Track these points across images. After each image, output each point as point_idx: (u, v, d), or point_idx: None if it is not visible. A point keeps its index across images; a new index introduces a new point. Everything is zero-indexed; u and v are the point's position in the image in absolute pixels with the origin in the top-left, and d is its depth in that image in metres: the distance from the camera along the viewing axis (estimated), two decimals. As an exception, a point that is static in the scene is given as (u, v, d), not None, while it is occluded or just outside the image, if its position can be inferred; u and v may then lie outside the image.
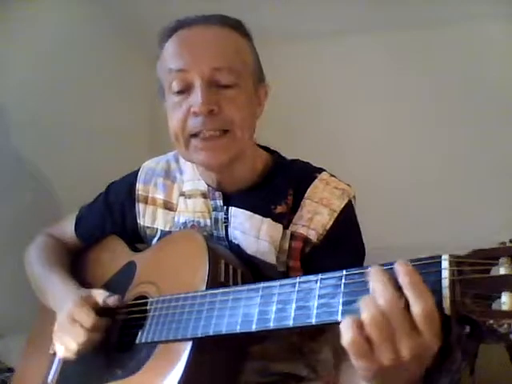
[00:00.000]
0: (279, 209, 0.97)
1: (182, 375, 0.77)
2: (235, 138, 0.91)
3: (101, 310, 0.92)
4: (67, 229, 1.18)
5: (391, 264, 0.61)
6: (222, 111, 0.89)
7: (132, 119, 2.41)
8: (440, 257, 0.57)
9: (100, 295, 0.93)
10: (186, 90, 0.90)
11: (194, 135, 0.91)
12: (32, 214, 1.66)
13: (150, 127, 2.47)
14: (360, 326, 0.57)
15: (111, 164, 1.60)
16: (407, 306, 0.56)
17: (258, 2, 2.06)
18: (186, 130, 0.91)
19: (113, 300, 0.92)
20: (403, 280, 0.57)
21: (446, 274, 0.55)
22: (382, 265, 0.62)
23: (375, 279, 0.59)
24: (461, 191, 2.22)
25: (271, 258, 0.95)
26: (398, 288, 0.57)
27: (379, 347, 0.57)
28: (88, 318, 0.89)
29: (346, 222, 0.97)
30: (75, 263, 1.15)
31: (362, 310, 0.58)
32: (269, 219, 0.96)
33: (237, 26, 0.95)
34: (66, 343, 0.90)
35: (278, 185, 0.99)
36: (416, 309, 0.55)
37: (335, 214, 0.95)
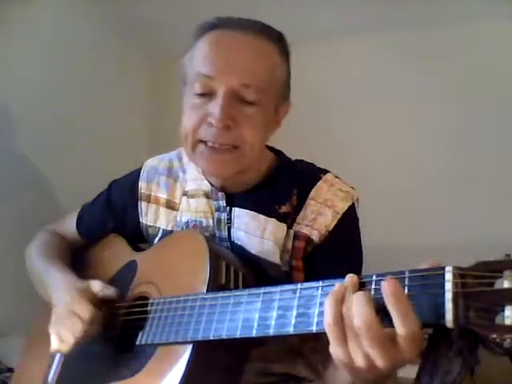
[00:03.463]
0: (283, 208, 0.96)
1: (182, 377, 0.77)
2: (243, 156, 0.90)
3: (99, 303, 0.91)
4: (69, 226, 1.18)
5: (392, 274, 0.60)
6: (238, 128, 0.88)
7: (132, 119, 2.41)
8: (443, 268, 0.56)
9: (97, 286, 0.93)
10: (207, 95, 0.88)
11: (203, 141, 0.90)
12: (32, 214, 1.66)
13: (150, 127, 2.47)
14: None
15: (111, 164, 1.60)
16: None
17: (262, 4, 2.04)
18: (196, 134, 0.90)
19: (111, 291, 0.93)
20: (388, 299, 0.57)
21: (449, 286, 0.54)
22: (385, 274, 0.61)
23: (356, 299, 0.59)
24: (463, 192, 2.22)
25: (275, 258, 0.94)
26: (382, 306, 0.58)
27: (350, 346, 0.59)
28: (86, 310, 0.88)
29: (349, 225, 0.97)
30: (77, 261, 1.14)
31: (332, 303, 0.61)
32: (273, 219, 0.95)
33: (276, 39, 0.92)
34: (63, 335, 0.89)
35: (282, 185, 0.99)
36: (401, 331, 0.56)
37: (338, 216, 0.95)
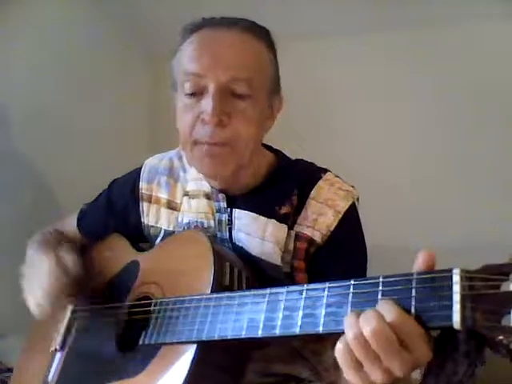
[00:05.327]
0: (284, 209, 0.96)
1: (186, 377, 0.77)
2: (237, 151, 0.90)
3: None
4: (70, 226, 1.18)
5: (399, 276, 0.61)
6: (231, 123, 0.87)
7: (132, 119, 2.40)
8: (451, 270, 0.57)
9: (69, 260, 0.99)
10: (198, 94, 0.88)
11: (200, 143, 0.90)
12: (32, 213, 1.66)
13: (150, 127, 2.46)
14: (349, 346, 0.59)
15: (111, 164, 1.59)
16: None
17: (260, 2, 2.04)
18: (192, 135, 0.90)
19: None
20: (387, 317, 0.58)
21: (457, 288, 0.55)
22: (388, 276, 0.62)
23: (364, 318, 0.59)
24: (462, 191, 2.22)
25: (276, 259, 0.95)
26: None
27: (369, 368, 0.58)
28: (70, 260, 0.97)
29: (350, 224, 0.97)
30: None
31: (346, 332, 0.60)
32: (273, 220, 0.95)
33: (262, 35, 0.92)
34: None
35: (282, 185, 0.99)
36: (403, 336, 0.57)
37: (339, 216, 0.95)
